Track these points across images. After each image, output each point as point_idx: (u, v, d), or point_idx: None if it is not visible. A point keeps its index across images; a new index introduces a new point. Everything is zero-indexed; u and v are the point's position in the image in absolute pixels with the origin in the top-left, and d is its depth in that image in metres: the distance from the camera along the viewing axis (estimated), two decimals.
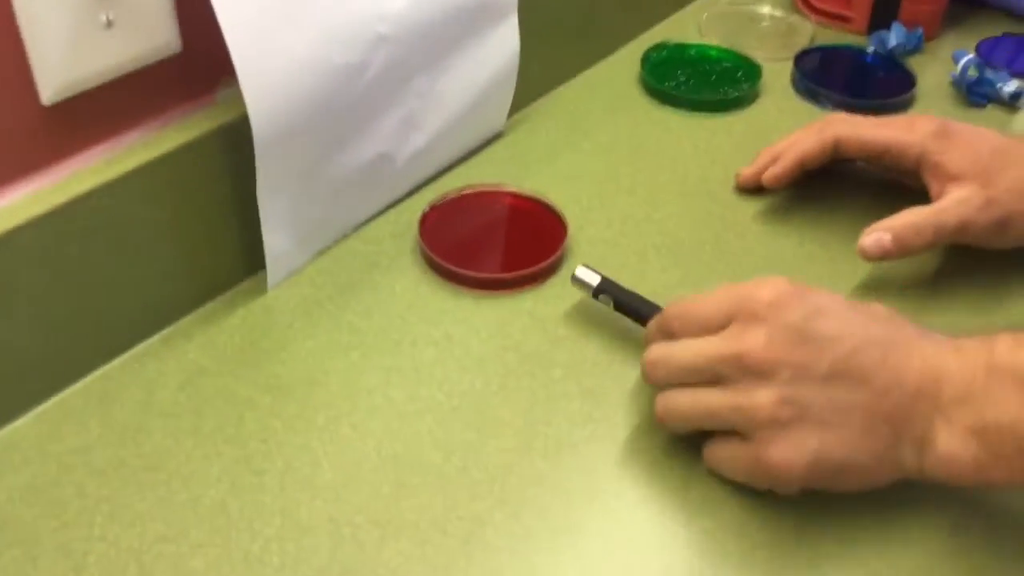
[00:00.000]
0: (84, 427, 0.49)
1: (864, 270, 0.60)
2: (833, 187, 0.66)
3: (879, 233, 0.55)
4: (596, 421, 0.50)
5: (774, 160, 0.64)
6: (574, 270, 0.56)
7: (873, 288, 0.59)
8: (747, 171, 0.66)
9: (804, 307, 0.44)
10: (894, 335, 0.44)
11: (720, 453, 0.46)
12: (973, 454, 0.41)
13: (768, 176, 0.64)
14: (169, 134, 0.52)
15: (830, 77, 0.78)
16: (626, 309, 0.55)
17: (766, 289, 0.45)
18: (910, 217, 0.56)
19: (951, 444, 0.42)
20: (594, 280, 0.56)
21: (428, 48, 0.60)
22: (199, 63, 0.53)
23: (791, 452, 0.43)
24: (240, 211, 0.55)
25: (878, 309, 0.47)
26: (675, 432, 0.48)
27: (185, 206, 0.53)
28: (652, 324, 0.51)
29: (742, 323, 0.45)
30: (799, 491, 0.45)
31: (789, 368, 0.43)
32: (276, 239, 0.56)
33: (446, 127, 0.65)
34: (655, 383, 0.48)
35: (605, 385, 0.52)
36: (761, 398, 0.43)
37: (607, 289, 0.55)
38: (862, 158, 0.63)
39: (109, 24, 0.47)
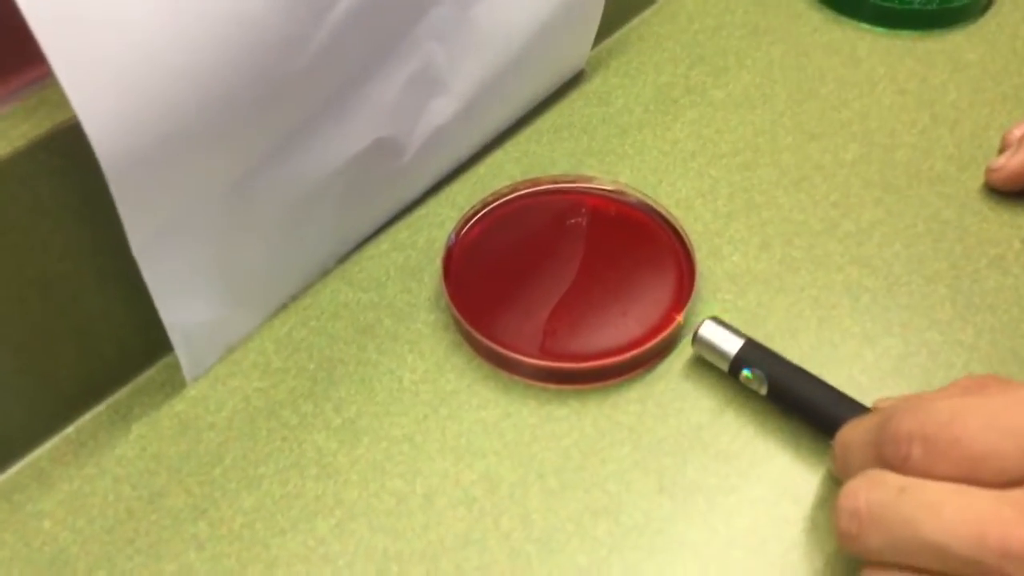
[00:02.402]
0: None
1: None
2: None
3: None
4: None
5: None
6: (697, 327, 0.33)
7: None
8: (1013, 161, 0.38)
9: None
10: None
11: None
12: None
13: None
14: None
15: None
16: (792, 400, 0.31)
17: None
18: None
19: None
20: (732, 345, 0.32)
21: None
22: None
23: None
24: (121, 251, 0.31)
25: None
26: None
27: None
28: (857, 433, 0.27)
29: None
30: None
31: None
32: (185, 310, 0.32)
33: (490, 81, 0.39)
34: (861, 554, 0.25)
35: None
36: None
37: (755, 360, 0.32)
38: None
39: None
